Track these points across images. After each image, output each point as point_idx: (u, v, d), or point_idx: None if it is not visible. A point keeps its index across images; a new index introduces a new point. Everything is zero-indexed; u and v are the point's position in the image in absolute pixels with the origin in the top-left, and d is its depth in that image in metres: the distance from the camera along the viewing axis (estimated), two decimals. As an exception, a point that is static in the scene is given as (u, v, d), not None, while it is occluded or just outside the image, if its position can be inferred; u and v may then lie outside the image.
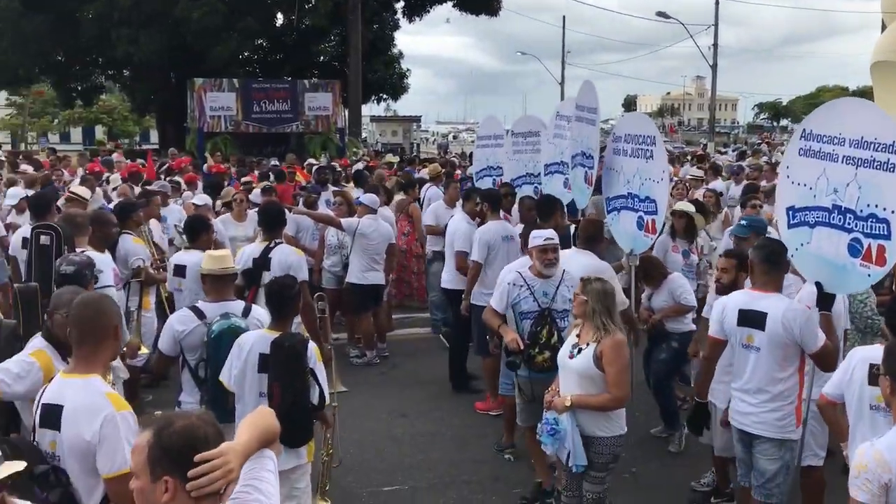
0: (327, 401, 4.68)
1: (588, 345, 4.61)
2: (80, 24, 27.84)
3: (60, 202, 8.64)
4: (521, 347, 5.43)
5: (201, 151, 21.68)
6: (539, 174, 9.72)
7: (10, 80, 33.37)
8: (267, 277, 6.34)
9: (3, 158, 18.47)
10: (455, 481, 6.18)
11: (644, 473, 6.19)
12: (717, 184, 13.11)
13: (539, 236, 5.68)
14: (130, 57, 26.70)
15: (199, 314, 4.90)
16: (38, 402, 3.30)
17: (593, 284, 4.68)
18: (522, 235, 7.32)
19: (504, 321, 5.72)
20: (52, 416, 3.20)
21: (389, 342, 9.54)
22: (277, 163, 17.80)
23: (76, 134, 62.77)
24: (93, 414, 3.12)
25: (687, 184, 11.73)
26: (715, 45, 44.50)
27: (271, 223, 7.08)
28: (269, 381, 4.33)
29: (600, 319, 4.59)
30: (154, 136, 46.17)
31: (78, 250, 5.71)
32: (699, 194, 10.35)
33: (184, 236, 7.46)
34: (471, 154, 23.46)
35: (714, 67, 44.46)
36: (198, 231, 6.86)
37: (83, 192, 8.77)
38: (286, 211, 7.81)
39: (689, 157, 23.18)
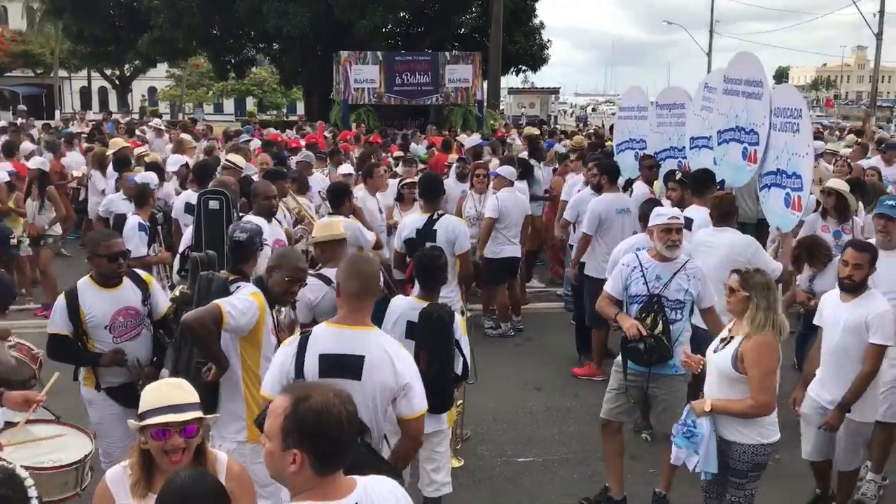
0: (470, 372, 4.72)
1: (733, 339, 4.27)
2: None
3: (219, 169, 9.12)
4: (644, 334, 5.01)
5: (346, 123, 22.25)
6: (683, 148, 9.37)
7: (170, 54, 35.37)
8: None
9: (163, 127, 19.63)
10: (590, 457, 6.12)
11: (789, 462, 5.85)
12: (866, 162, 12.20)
13: (662, 214, 5.27)
14: (280, 30, 27.64)
15: (327, 280, 5.05)
16: (302, 353, 3.42)
17: (755, 278, 4.25)
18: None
19: (621, 308, 5.31)
20: (350, 365, 3.38)
21: (524, 315, 9.53)
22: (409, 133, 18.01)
23: (229, 105, 65.97)
24: (393, 362, 3.39)
25: (849, 160, 10.94)
26: (881, 11, 41.35)
27: (431, 194, 7.05)
28: (416, 349, 4.42)
29: (763, 316, 4.15)
30: (300, 107, 47.82)
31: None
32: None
33: (327, 203, 7.72)
34: (611, 126, 22.93)
35: (879, 36, 41.35)
36: (340, 198, 7.05)
37: (238, 160, 9.19)
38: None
39: (836, 132, 21.68)
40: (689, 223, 7.00)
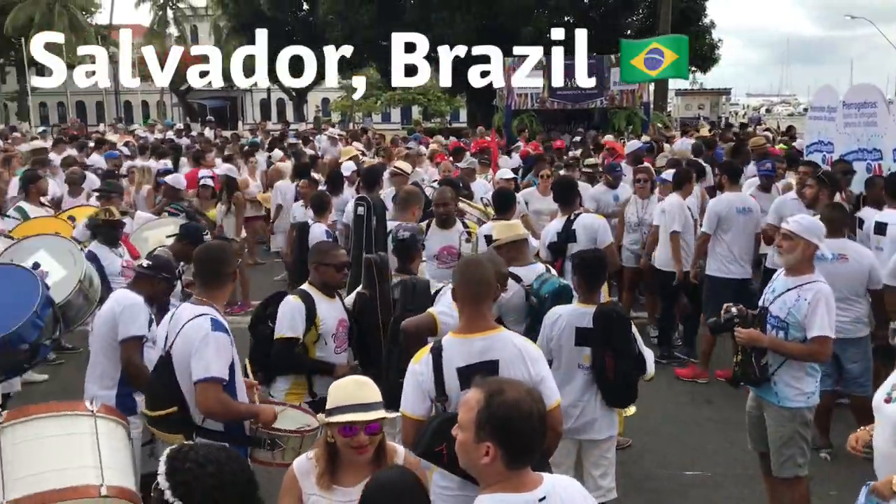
0: (649, 368, 4.63)
1: None
2: (404, 10, 30.02)
3: (385, 176, 9.48)
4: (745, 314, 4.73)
5: (509, 129, 22.39)
6: (873, 150, 8.73)
7: (342, 66, 36.98)
8: (573, 249, 6.46)
9: (337, 136, 20.60)
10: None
11: None
12: None
13: (787, 219, 4.86)
14: (445, 39, 28.24)
15: (516, 278, 5.04)
16: (439, 371, 3.39)
17: None
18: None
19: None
20: (486, 373, 3.32)
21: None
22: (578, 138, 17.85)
23: (395, 114, 68.02)
24: (525, 357, 3.42)
25: None
26: None
27: (566, 196, 7.19)
28: (597, 353, 4.40)
29: None
30: (463, 115, 48.55)
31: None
32: None
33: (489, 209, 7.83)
34: (788, 127, 21.72)
35: None
36: (504, 203, 7.14)
37: (405, 166, 9.50)
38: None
39: None
40: (881, 227, 6.58)
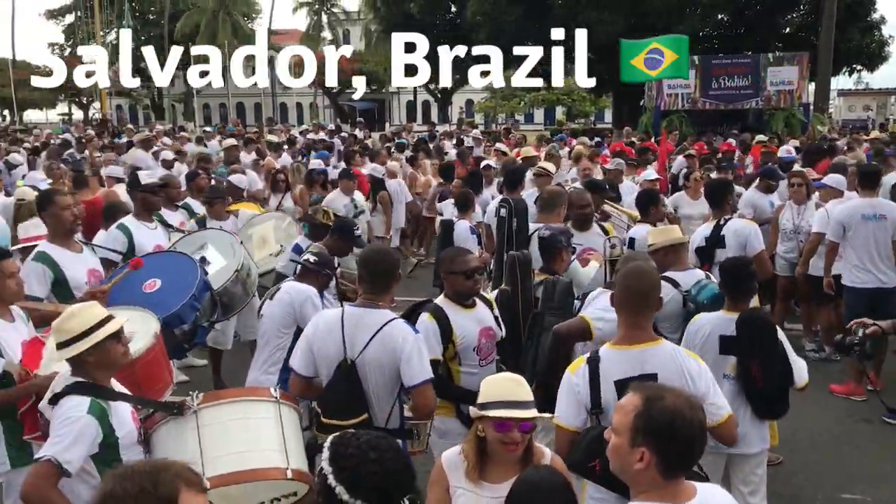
0: (796, 377, 4.40)
1: None
2: (550, 10, 29.87)
3: (529, 175, 9.46)
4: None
5: (657, 130, 21.85)
6: None
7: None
8: (721, 255, 6.24)
9: (480, 136, 20.78)
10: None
11: None
12: None
13: None
14: (593, 38, 27.87)
15: (674, 283, 4.92)
16: (595, 382, 3.35)
17: None
18: None
19: None
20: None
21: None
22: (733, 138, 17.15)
23: (538, 114, 67.79)
24: (688, 372, 3.36)
25: None
26: None
27: (717, 198, 6.93)
28: (743, 362, 4.24)
29: None
30: (608, 115, 47.76)
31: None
32: None
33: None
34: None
35: None
36: (647, 205, 6.97)
37: (549, 166, 9.46)
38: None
39: None
40: None
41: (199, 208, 8.60)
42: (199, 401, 3.41)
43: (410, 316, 4.54)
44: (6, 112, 59.90)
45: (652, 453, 2.17)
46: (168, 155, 13.54)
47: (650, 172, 10.09)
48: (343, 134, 23.25)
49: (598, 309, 4.30)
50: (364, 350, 3.81)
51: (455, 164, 12.39)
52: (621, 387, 3.21)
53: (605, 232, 6.63)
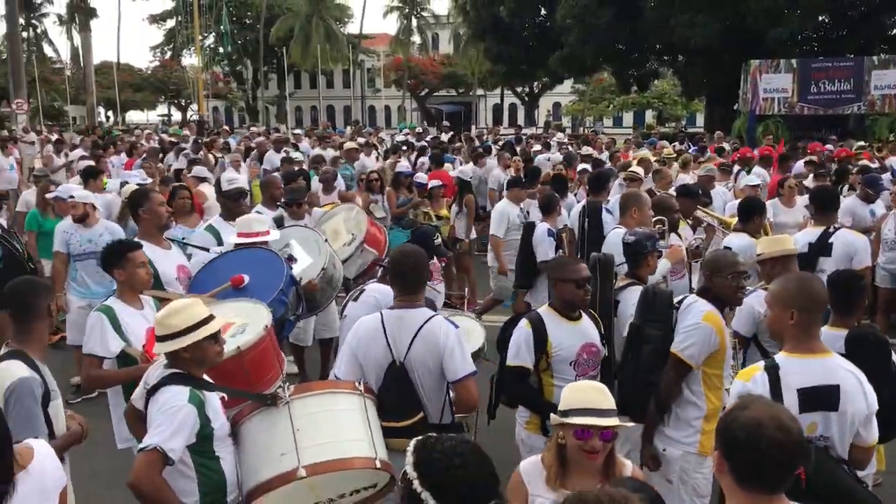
0: None
1: None
2: (642, 13, 29.37)
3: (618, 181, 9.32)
4: None
5: (751, 134, 21.23)
6: None
7: (577, 70, 36.89)
8: (824, 264, 5.98)
9: (566, 140, 20.58)
10: None
11: None
12: None
13: None
14: (687, 42, 27.27)
15: None
16: (777, 389, 3.25)
17: None
18: None
19: None
20: (826, 396, 3.24)
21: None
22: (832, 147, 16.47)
23: (628, 118, 66.80)
24: (863, 387, 3.27)
25: None
26: None
27: (826, 206, 6.65)
28: None
29: None
30: (700, 119, 46.69)
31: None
32: None
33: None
34: None
35: None
36: (750, 214, 6.72)
37: (639, 170, 9.29)
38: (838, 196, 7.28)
39: None
40: None
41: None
42: (291, 392, 3.50)
43: (515, 322, 4.53)
44: (110, 113, 62.80)
45: (725, 460, 2.20)
46: (298, 156, 13.94)
47: (752, 178, 9.77)
48: (429, 137, 23.37)
49: (682, 333, 4.14)
50: (409, 350, 3.84)
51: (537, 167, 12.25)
52: (806, 395, 3.21)
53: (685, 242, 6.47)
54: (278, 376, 4.04)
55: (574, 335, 4.30)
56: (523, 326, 4.29)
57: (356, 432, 3.51)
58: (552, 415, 3.02)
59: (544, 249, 7.43)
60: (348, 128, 30.13)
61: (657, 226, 6.12)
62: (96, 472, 5.30)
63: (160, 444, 3.10)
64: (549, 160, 14.70)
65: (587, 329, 4.38)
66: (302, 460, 3.29)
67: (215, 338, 3.38)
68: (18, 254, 7.46)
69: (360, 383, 3.72)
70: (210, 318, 3.37)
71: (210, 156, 14.77)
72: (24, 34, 47.29)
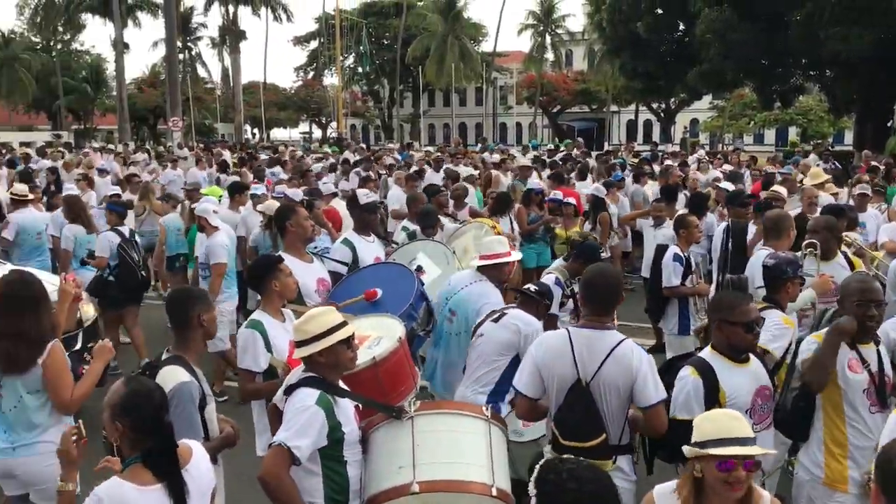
0: None
1: None
2: (787, 27, 28.17)
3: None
4: None
5: (905, 153, 19.90)
6: None
7: (716, 85, 35.77)
8: None
9: (705, 158, 20.01)
10: None
11: None
12: None
13: None
14: (837, 56, 25.90)
15: None
16: None
17: None
18: None
19: None
20: None
21: None
22: None
23: (769, 135, 64.06)
24: None
25: None
26: None
27: None
28: None
29: None
30: (849, 136, 44.18)
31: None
32: None
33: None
34: None
35: None
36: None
37: (782, 190, 8.93)
38: None
39: None
40: None
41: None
42: (416, 408, 3.56)
43: (668, 370, 4.21)
44: (255, 130, 66.12)
45: (882, 495, 2.17)
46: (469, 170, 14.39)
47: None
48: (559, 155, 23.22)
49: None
50: (598, 371, 3.80)
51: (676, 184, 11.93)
52: None
53: (852, 265, 6.07)
54: (411, 389, 4.13)
55: (747, 379, 3.95)
56: (688, 375, 3.89)
57: (476, 457, 3.50)
58: (687, 448, 2.91)
59: (668, 274, 7.21)
60: (520, 147, 29.41)
61: (808, 249, 5.83)
62: (238, 475, 5.57)
63: (285, 441, 3.24)
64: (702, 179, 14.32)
65: (757, 370, 4.03)
66: (417, 476, 3.34)
67: (348, 343, 3.50)
68: (133, 263, 8.22)
69: (487, 408, 3.71)
70: (343, 323, 3.50)
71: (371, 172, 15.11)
72: (181, 56, 50.50)
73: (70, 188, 11.64)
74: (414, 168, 15.60)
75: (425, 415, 3.56)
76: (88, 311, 7.24)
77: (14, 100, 58.35)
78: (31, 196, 9.87)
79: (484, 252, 5.53)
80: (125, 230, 8.52)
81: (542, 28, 60.57)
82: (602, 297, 3.94)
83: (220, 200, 9.80)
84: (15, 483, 4.21)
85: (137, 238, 8.75)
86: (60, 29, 60.15)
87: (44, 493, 4.14)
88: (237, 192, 10.02)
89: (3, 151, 26.05)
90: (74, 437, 2.93)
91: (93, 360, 4.28)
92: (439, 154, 20.08)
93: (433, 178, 14.17)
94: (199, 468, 2.95)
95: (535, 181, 12.68)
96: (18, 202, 9.63)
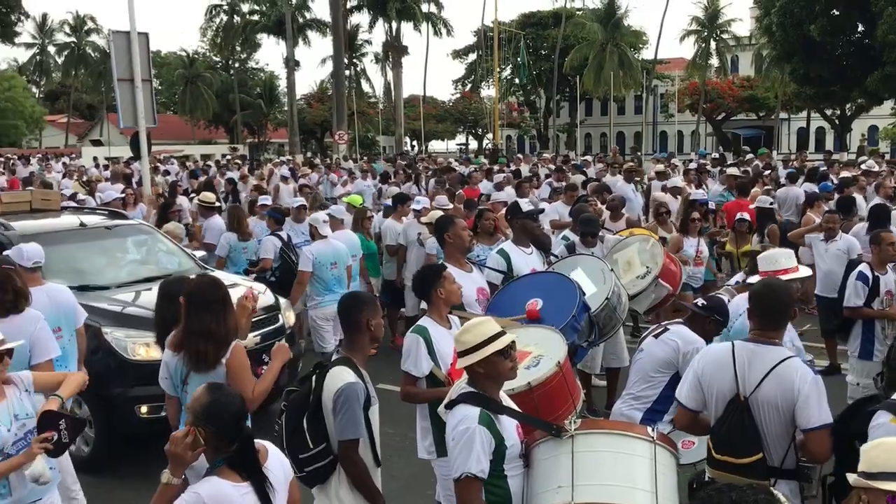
0: None
1: None
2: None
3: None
4: None
5: None
6: None
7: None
8: None
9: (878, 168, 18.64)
10: None
11: None
12: None
13: None
14: None
15: None
16: None
17: None
18: None
19: None
20: None
21: None
22: None
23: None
24: None
25: None
26: None
27: None
28: None
29: None
30: None
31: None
32: None
33: None
34: None
35: None
36: None
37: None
38: None
39: None
40: None
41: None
42: (577, 426, 3.49)
43: (854, 414, 3.84)
44: (415, 142, 67.88)
45: None
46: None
47: None
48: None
49: None
50: (758, 387, 3.68)
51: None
52: None
53: None
54: (571, 411, 4.07)
55: None
56: (888, 423, 3.39)
57: (639, 481, 3.37)
58: (852, 476, 2.73)
59: (850, 293, 6.71)
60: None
61: None
62: (395, 477, 5.75)
63: (469, 471, 3.29)
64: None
65: None
66: (576, 497, 3.27)
67: (506, 353, 3.49)
68: (292, 263, 8.76)
69: (653, 430, 3.57)
70: (501, 333, 3.50)
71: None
72: (346, 72, 52.69)
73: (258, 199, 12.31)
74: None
75: (586, 434, 3.47)
76: (290, 317, 7.71)
77: (196, 115, 63.04)
78: (217, 204, 10.70)
79: (767, 266, 5.28)
80: (284, 235, 9.24)
81: (706, 34, 58.35)
82: (770, 311, 3.80)
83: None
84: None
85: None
86: (238, 49, 64.31)
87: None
88: (399, 203, 10.35)
89: (188, 164, 28.22)
90: (189, 440, 3.03)
91: (272, 360, 4.53)
92: (632, 164, 19.09)
93: (625, 189, 13.60)
94: (275, 464, 3.23)
95: (699, 191, 12.26)
96: (207, 209, 10.44)
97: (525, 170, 19.51)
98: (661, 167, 16.49)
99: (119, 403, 6.33)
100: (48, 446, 3.77)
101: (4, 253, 6.21)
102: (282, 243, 9.06)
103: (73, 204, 10.84)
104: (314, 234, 8.44)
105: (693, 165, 17.79)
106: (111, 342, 6.37)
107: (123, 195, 12.03)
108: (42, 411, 3.90)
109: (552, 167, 20.51)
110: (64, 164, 31.37)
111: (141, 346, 6.28)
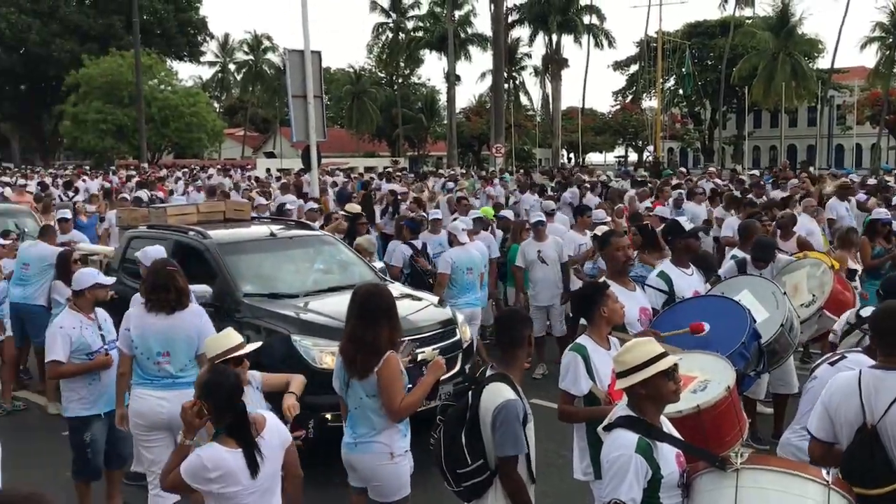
0: None
1: None
2: None
3: None
4: None
5: None
6: None
7: None
8: None
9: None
10: None
11: None
12: None
13: None
14: None
15: None
16: None
17: None
18: None
19: None
20: None
21: None
22: None
23: None
24: None
25: None
26: None
27: None
28: None
29: None
30: None
31: None
32: None
33: None
34: None
35: None
36: None
37: None
38: None
39: None
40: None
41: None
42: (744, 460, 3.33)
43: None
44: (571, 155, 67.35)
45: None
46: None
47: None
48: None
49: None
50: (885, 414, 3.52)
51: None
52: None
53: None
54: (738, 440, 3.91)
55: None
56: None
57: None
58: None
59: None
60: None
61: None
62: (547, 493, 5.71)
63: (619, 498, 3.23)
64: None
65: None
66: None
67: (670, 375, 3.39)
68: (421, 272, 9.28)
69: (827, 473, 3.35)
70: (664, 354, 3.41)
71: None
72: (506, 86, 53.06)
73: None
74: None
75: (752, 469, 3.30)
76: (467, 332, 7.68)
77: (362, 129, 65.58)
78: (362, 215, 11.17)
79: None
80: (418, 243, 9.63)
81: (891, 40, 54.23)
82: (891, 335, 3.65)
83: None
84: (356, 476, 4.67)
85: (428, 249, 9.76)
86: (402, 64, 66.37)
87: (379, 490, 4.55)
88: (579, 215, 10.46)
89: (353, 175, 29.29)
90: (196, 409, 3.63)
91: (426, 374, 4.61)
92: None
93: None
94: (272, 433, 3.71)
95: (881, 210, 11.40)
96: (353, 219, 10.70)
97: (707, 187, 18.25)
98: (845, 180, 15.06)
99: (307, 410, 6.51)
100: (299, 444, 4.24)
101: (135, 254, 7.19)
102: (413, 252, 9.44)
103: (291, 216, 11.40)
104: (452, 241, 9.03)
105: (872, 181, 16.55)
106: (300, 350, 6.49)
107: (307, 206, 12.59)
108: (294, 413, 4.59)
109: (718, 181, 19.72)
110: (254, 177, 30.28)
111: (327, 355, 6.33)
